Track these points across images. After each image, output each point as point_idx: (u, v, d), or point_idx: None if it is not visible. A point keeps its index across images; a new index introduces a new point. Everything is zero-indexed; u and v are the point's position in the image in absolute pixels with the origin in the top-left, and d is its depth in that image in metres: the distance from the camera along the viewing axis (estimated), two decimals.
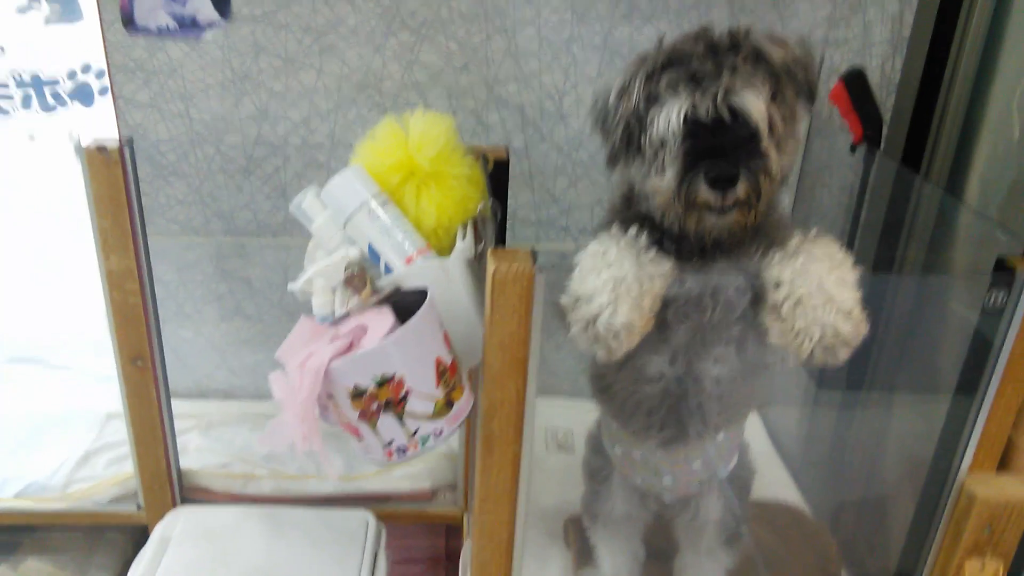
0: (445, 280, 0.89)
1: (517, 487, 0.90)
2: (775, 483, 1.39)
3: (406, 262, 0.93)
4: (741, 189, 0.74)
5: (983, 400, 0.91)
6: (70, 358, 1.49)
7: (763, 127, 0.74)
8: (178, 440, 1.28)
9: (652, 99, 0.75)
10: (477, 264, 0.95)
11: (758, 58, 0.75)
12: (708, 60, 0.74)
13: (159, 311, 1.39)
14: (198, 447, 1.32)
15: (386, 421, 0.80)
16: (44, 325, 1.51)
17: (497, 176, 1.07)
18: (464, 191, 0.98)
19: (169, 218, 1.36)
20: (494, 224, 0.94)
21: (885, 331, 1.23)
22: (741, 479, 1.05)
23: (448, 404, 0.83)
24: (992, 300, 0.88)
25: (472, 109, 1.34)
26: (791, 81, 0.77)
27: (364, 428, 0.80)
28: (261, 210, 1.36)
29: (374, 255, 0.95)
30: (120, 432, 1.19)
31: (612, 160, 0.81)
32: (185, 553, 1.03)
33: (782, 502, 1.34)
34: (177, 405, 1.40)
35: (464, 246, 0.93)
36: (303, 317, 0.82)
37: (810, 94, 0.80)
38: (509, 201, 1.42)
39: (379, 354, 0.77)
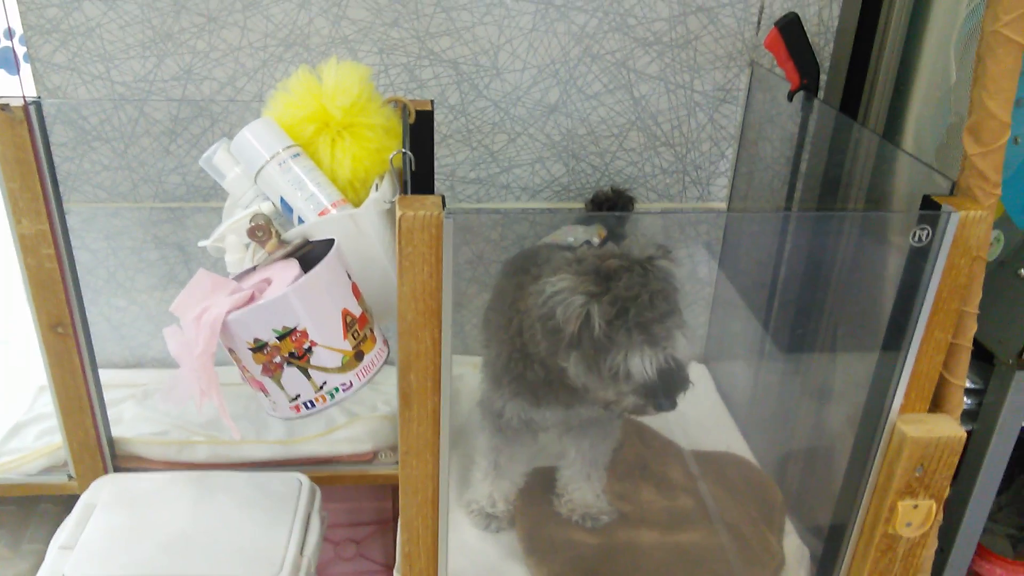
0: (355, 231, 0.87)
1: (439, 440, 0.89)
2: (723, 434, 1.39)
3: (320, 216, 0.91)
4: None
5: (911, 339, 0.91)
6: (3, 330, 1.46)
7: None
8: (114, 410, 1.26)
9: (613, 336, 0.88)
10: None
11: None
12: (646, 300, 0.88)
13: (89, 279, 1.37)
14: (134, 416, 1.30)
15: (290, 375, 0.78)
16: None
17: (420, 128, 1.04)
18: (380, 142, 0.96)
19: (96, 184, 1.32)
20: (408, 174, 0.91)
21: (827, 279, 1.22)
22: None
23: (358, 356, 0.81)
24: (917, 237, 0.88)
25: (405, 64, 1.31)
26: None
27: (268, 383, 0.78)
28: (190, 173, 1.33)
29: (288, 208, 0.92)
30: (52, 404, 1.16)
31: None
32: (110, 519, 1.01)
33: (730, 453, 1.34)
34: (112, 375, 1.39)
35: (377, 196, 0.90)
36: (201, 270, 0.80)
37: None
38: (447, 159, 1.40)
39: (279, 304, 0.75)
